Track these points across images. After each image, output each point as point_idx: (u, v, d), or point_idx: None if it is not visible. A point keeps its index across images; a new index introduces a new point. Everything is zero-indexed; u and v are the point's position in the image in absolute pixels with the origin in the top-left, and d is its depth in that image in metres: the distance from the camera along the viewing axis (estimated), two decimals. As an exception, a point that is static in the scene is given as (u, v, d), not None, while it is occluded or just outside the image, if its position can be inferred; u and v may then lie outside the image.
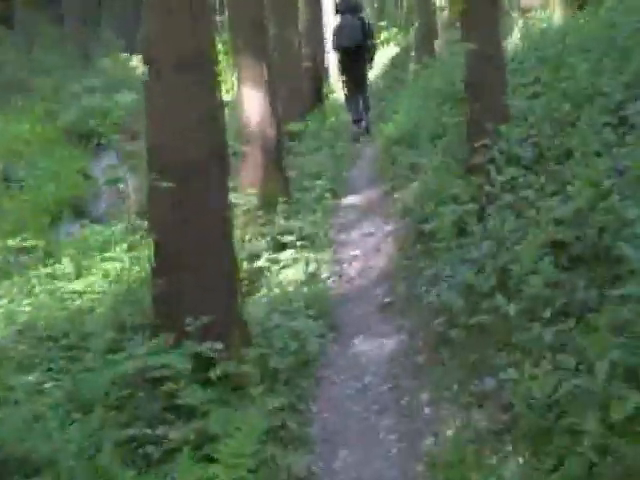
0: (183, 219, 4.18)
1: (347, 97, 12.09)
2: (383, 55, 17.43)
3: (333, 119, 13.11)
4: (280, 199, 7.46)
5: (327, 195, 7.96)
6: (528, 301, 3.92)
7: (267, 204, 7.43)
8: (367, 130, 12.06)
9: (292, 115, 10.78)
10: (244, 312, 4.43)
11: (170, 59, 4.13)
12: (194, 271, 4.16)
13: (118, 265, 6.16)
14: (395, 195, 7.56)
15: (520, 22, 11.80)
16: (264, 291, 5.82)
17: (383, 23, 21.91)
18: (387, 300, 5.55)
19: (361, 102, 12.07)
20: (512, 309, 3.89)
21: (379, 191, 8.28)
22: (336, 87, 16.63)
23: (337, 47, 11.69)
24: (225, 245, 4.35)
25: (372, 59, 11.95)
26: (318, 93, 13.63)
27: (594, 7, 10.31)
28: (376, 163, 9.64)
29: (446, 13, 17.13)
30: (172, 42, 4.14)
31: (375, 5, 24.02)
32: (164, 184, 4.01)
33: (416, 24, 16.23)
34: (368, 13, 15.82)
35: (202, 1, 4.26)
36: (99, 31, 24.61)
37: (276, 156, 7.70)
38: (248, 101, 7.48)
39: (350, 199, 8.31)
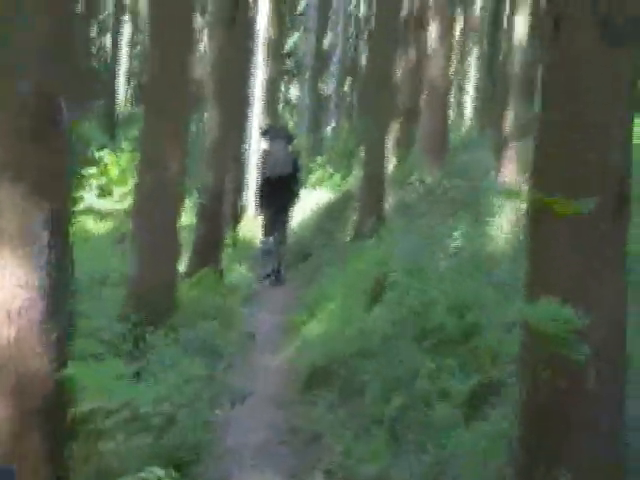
0: None
1: (264, 238, 10.57)
2: (311, 200, 13.72)
3: (234, 277, 9.59)
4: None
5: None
6: None
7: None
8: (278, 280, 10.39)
9: (158, 278, 6.60)
10: None
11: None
12: None
13: None
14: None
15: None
16: None
17: (319, 159, 18.43)
18: None
19: (279, 248, 10.45)
20: None
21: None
22: (251, 230, 13.00)
23: (262, 175, 10.47)
24: None
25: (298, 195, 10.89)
26: (216, 239, 9.65)
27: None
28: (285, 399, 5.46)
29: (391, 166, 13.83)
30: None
31: (310, 138, 20.63)
32: None
33: (359, 171, 12.69)
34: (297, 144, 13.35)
35: None
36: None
37: (50, 418, 3.47)
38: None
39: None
